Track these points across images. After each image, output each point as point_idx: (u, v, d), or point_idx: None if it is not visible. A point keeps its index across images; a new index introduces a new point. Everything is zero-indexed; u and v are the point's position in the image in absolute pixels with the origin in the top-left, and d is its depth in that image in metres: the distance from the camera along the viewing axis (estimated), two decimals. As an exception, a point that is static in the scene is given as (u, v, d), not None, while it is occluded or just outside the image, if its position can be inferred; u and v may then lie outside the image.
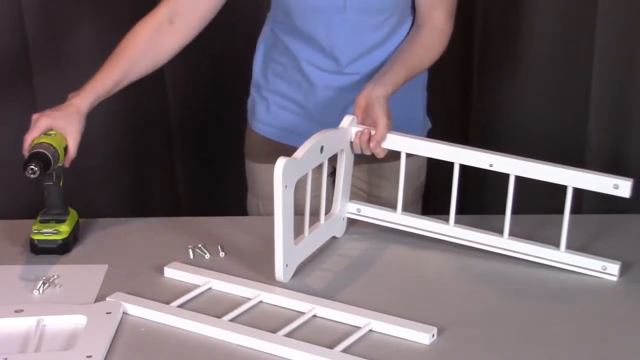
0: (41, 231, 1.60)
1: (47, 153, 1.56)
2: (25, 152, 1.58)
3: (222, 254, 1.59)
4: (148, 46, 1.70)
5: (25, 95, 2.38)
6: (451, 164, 1.56)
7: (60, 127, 1.60)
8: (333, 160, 1.64)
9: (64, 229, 1.61)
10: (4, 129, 2.41)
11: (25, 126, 2.38)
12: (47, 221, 1.61)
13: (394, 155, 1.64)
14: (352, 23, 1.68)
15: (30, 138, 1.59)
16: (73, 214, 1.64)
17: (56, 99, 2.38)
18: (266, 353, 1.30)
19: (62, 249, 1.60)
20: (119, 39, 2.34)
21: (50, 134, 1.60)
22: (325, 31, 1.70)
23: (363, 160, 1.79)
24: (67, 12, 2.32)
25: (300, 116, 1.79)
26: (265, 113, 1.84)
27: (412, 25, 1.77)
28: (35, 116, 1.61)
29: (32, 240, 1.60)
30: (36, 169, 1.53)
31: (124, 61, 1.70)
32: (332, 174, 1.68)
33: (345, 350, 1.29)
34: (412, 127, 1.68)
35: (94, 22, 2.33)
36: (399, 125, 1.61)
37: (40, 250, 1.60)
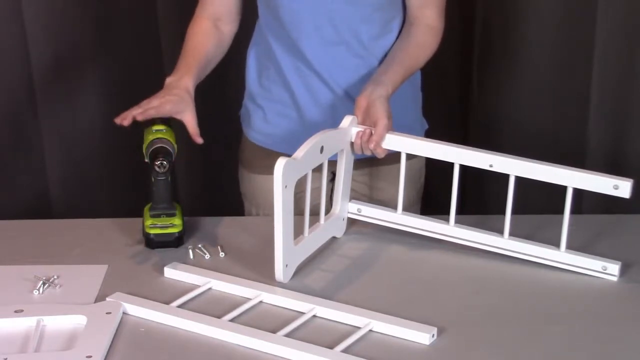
0: (157, 225, 1.60)
1: (169, 148, 1.59)
2: (141, 112, 1.60)
3: (222, 254, 1.59)
4: (215, 36, 1.79)
5: (25, 97, 2.38)
6: (451, 164, 1.56)
7: (181, 110, 1.64)
8: (333, 166, 1.65)
9: (178, 222, 1.61)
10: (4, 129, 2.41)
11: (25, 127, 2.40)
12: (158, 216, 1.61)
13: (395, 158, 1.64)
14: (339, 15, 1.68)
15: (154, 112, 1.60)
16: (179, 208, 1.64)
17: (56, 99, 2.40)
18: (266, 353, 1.30)
19: (177, 242, 1.61)
20: (118, 37, 2.35)
21: (161, 130, 1.62)
22: (313, 25, 1.69)
23: (365, 164, 1.79)
24: (66, 12, 2.32)
25: (301, 123, 1.77)
26: (263, 122, 1.83)
27: (402, 24, 1.77)
28: (156, 101, 1.61)
29: (148, 235, 1.61)
30: (165, 162, 1.56)
31: (203, 49, 1.76)
32: (333, 180, 1.68)
33: (345, 350, 1.29)
34: (409, 128, 1.67)
35: (94, 20, 2.33)
36: (395, 128, 1.61)
37: (157, 245, 1.61)
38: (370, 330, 1.35)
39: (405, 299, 1.45)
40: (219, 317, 1.38)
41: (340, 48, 1.72)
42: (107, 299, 1.43)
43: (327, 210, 1.63)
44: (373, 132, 1.59)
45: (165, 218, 1.61)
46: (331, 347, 1.29)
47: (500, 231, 1.56)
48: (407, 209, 1.66)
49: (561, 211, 1.50)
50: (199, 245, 1.61)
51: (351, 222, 1.68)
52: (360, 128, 1.61)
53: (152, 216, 1.61)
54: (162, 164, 1.57)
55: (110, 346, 1.31)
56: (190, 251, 1.60)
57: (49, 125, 2.40)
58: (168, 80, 1.69)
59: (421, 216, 1.64)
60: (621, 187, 1.45)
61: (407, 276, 1.53)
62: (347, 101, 1.72)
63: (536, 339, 1.34)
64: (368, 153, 1.61)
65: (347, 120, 1.60)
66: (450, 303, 1.44)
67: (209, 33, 1.78)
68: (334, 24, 1.69)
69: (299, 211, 1.51)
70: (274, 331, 1.33)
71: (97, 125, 2.44)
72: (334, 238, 1.65)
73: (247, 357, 1.30)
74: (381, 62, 1.73)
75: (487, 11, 2.26)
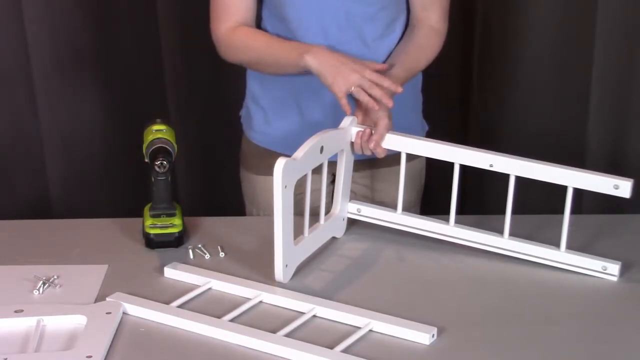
0: (157, 225, 1.61)
1: (169, 148, 1.59)
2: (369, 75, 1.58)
3: (222, 254, 1.59)
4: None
5: (25, 97, 2.38)
6: (451, 164, 1.56)
7: None
8: (333, 167, 1.65)
9: (178, 222, 1.62)
10: (4, 129, 2.41)
11: (25, 127, 2.40)
12: (158, 216, 1.61)
13: (396, 160, 1.64)
14: (344, 12, 1.68)
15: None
16: (179, 208, 1.64)
17: (56, 99, 2.40)
18: (266, 353, 1.30)
19: (177, 242, 1.61)
20: (118, 37, 2.35)
21: (161, 130, 1.62)
22: (319, 25, 1.69)
23: (365, 165, 1.79)
24: (66, 12, 2.32)
25: (303, 124, 1.77)
26: (263, 123, 1.83)
27: (406, 25, 1.77)
28: (356, 76, 1.58)
29: (148, 235, 1.61)
30: (165, 162, 1.56)
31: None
32: (333, 182, 1.68)
33: (345, 350, 1.29)
34: (409, 130, 1.67)
35: (94, 20, 2.34)
36: (395, 130, 1.61)
37: (157, 245, 1.61)
38: (370, 330, 1.35)
39: (405, 299, 1.45)
40: (219, 317, 1.38)
41: (344, 47, 1.71)
42: (107, 299, 1.43)
43: (327, 211, 1.63)
44: (373, 131, 1.59)
45: (165, 218, 1.61)
46: (331, 347, 1.29)
47: (500, 231, 1.56)
48: (407, 210, 1.66)
49: (561, 211, 1.50)
50: (199, 245, 1.61)
51: (351, 222, 1.68)
52: (360, 128, 1.61)
53: (152, 216, 1.62)
54: (162, 164, 1.57)
55: (110, 346, 1.31)
56: (190, 251, 1.60)
57: (49, 125, 2.40)
58: (313, 53, 1.62)
59: (421, 216, 1.64)
60: (621, 187, 1.45)
61: (407, 276, 1.53)
62: (349, 101, 1.72)
63: (536, 339, 1.34)
64: (368, 153, 1.61)
65: (347, 120, 1.60)
66: (450, 303, 1.44)
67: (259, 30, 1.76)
68: (339, 22, 1.69)
69: (299, 211, 1.51)
70: (274, 331, 1.33)
71: (97, 125, 2.44)
72: (334, 238, 1.65)
73: (247, 357, 1.30)
74: (384, 62, 1.73)
75: (487, 11, 2.26)
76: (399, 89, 1.60)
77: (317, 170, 1.54)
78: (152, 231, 1.61)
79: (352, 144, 1.62)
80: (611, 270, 1.50)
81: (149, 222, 1.61)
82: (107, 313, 1.38)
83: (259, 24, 1.79)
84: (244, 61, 1.77)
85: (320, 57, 1.61)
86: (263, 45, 1.71)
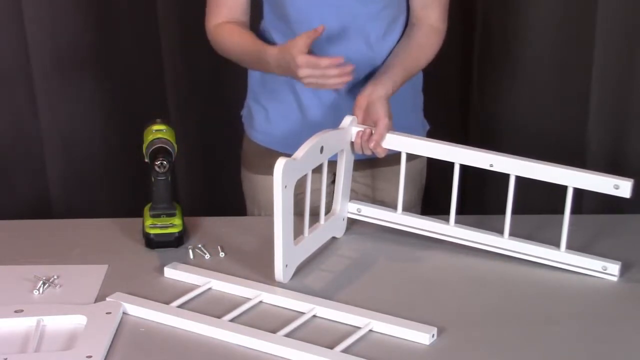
0: (157, 225, 1.61)
1: (169, 148, 1.59)
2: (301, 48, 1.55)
3: (222, 254, 1.59)
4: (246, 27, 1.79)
5: (25, 97, 2.38)
6: (451, 164, 1.56)
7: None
8: (333, 167, 1.64)
9: (178, 222, 1.62)
10: (4, 129, 2.41)
11: (25, 127, 2.40)
12: (158, 216, 1.62)
13: (397, 159, 1.64)
14: (347, 12, 1.68)
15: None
16: (179, 208, 1.65)
17: (56, 100, 2.39)
18: (266, 353, 1.30)
19: (177, 242, 1.61)
20: (118, 37, 2.35)
21: (161, 130, 1.62)
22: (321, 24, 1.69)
23: (366, 165, 1.79)
24: (66, 12, 2.32)
25: (304, 123, 1.77)
26: (265, 122, 1.83)
27: (406, 24, 1.77)
28: (299, 57, 1.55)
29: (148, 235, 1.61)
30: (165, 162, 1.57)
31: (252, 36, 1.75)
32: (333, 182, 1.68)
33: (345, 350, 1.29)
34: (410, 130, 1.67)
35: (94, 20, 2.34)
36: (396, 130, 1.61)
37: (156, 245, 1.61)
38: (370, 330, 1.35)
39: (405, 299, 1.45)
40: (219, 317, 1.38)
41: (346, 47, 1.71)
42: (107, 299, 1.43)
43: (327, 210, 1.63)
44: (373, 131, 1.59)
45: (165, 218, 1.61)
46: (331, 347, 1.29)
47: (500, 231, 1.56)
48: (407, 209, 1.66)
49: (561, 211, 1.50)
50: (199, 245, 1.61)
51: (351, 222, 1.68)
52: (360, 128, 1.61)
53: (152, 216, 1.62)
54: (162, 164, 1.57)
55: (110, 346, 1.31)
56: (190, 251, 1.60)
57: (49, 125, 2.40)
58: (274, 51, 1.63)
59: (421, 216, 1.64)
60: (622, 187, 1.45)
61: (407, 276, 1.53)
62: (350, 101, 1.72)
63: (536, 339, 1.34)
64: (368, 152, 1.61)
65: (347, 120, 1.60)
66: (450, 303, 1.44)
67: (241, 27, 1.75)
68: (342, 21, 1.69)
69: (299, 211, 1.51)
70: (274, 331, 1.33)
71: (97, 125, 2.44)
72: (334, 238, 1.65)
73: (247, 357, 1.30)
74: (384, 62, 1.73)
75: (487, 11, 2.26)
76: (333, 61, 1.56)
77: (317, 170, 1.54)
78: (152, 231, 1.61)
79: (352, 143, 1.62)
80: (611, 270, 1.50)
81: (149, 222, 1.61)
82: (107, 313, 1.38)
83: (260, 22, 1.79)
84: (230, 59, 1.78)
85: (279, 67, 1.63)
86: (240, 51, 1.72)
